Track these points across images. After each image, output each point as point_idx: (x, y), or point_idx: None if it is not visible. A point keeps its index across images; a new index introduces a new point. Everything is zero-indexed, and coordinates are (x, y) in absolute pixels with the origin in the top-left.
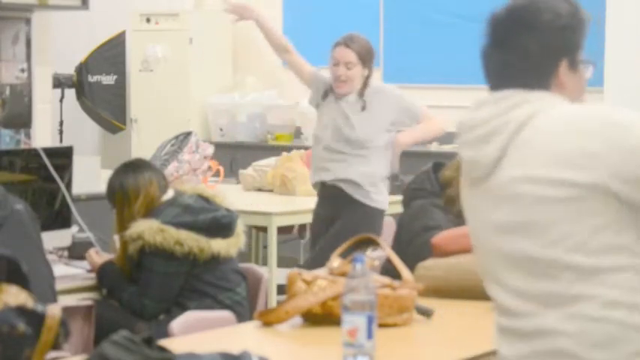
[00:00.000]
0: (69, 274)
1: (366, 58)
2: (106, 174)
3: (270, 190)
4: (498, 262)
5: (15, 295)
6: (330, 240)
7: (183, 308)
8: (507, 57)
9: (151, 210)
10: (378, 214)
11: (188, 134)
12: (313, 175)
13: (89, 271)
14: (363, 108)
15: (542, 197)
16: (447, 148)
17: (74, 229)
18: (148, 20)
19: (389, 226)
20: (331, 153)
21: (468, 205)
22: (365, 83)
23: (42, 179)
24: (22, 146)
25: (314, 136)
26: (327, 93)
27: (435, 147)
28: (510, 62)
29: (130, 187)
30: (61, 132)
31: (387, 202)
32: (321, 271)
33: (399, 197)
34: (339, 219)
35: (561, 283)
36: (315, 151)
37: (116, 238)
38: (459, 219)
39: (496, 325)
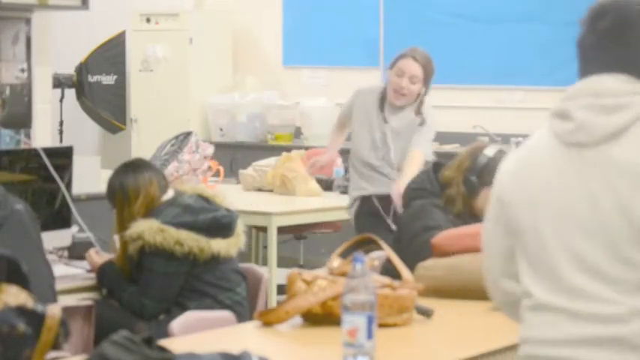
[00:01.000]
0: (69, 274)
1: (429, 76)
2: (106, 174)
3: (270, 190)
4: (578, 230)
5: (15, 295)
6: None
7: (183, 308)
8: (614, 51)
9: (151, 210)
10: None
11: (188, 134)
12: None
13: (89, 271)
14: (422, 123)
15: None
16: (447, 148)
17: (74, 229)
18: (148, 20)
19: None
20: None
21: (549, 167)
22: (421, 101)
23: (42, 179)
24: (22, 146)
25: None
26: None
27: (435, 147)
28: (619, 56)
29: (130, 187)
30: (61, 132)
31: None
32: (321, 271)
33: None
34: None
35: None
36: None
37: (116, 238)
38: (459, 219)
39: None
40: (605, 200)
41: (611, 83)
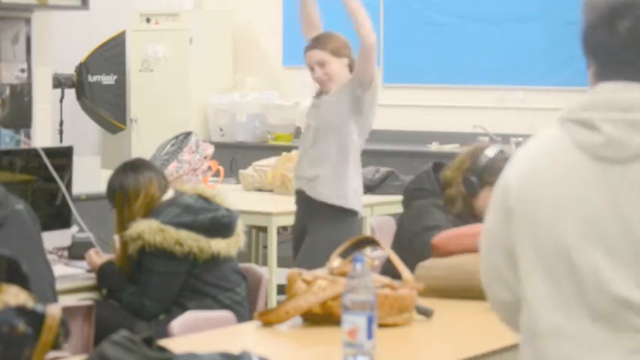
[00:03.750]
0: (69, 274)
1: (339, 49)
2: (106, 174)
3: (270, 190)
4: (602, 247)
5: (15, 295)
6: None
7: (183, 308)
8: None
9: (151, 210)
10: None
11: (188, 134)
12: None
13: (89, 271)
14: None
15: None
16: (447, 148)
17: (74, 229)
18: (148, 20)
19: (389, 226)
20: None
21: (572, 176)
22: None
23: (42, 179)
24: (22, 146)
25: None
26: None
27: (435, 147)
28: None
29: (130, 187)
30: (61, 132)
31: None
32: (321, 271)
33: (399, 197)
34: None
35: None
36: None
37: (116, 238)
38: (459, 219)
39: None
40: (633, 219)
41: (638, 95)
